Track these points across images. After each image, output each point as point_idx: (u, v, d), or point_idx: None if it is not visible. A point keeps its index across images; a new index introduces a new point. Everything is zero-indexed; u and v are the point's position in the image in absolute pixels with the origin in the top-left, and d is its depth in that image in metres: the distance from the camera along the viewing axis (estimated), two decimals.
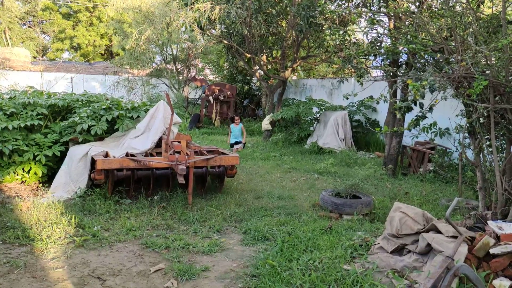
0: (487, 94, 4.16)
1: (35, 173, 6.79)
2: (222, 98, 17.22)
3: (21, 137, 6.82)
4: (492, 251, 3.51)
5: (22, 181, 6.92)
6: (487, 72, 4.12)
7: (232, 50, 15.92)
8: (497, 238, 3.64)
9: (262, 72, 16.18)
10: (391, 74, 5.85)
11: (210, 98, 17.18)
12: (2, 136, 6.65)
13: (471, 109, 4.44)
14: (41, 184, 6.96)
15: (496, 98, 4.26)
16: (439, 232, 3.89)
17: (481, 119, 4.48)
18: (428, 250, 3.92)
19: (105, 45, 38.20)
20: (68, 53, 40.36)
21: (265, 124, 14.19)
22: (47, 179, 7.01)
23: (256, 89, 21.10)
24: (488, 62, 4.19)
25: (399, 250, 4.25)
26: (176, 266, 4.12)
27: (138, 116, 7.46)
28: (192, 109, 19.44)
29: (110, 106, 7.44)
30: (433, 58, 4.76)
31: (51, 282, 3.77)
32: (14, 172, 6.80)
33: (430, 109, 4.34)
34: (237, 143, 11.48)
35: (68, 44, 37.32)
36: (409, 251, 4.15)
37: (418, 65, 4.93)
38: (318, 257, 4.32)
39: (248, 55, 15.37)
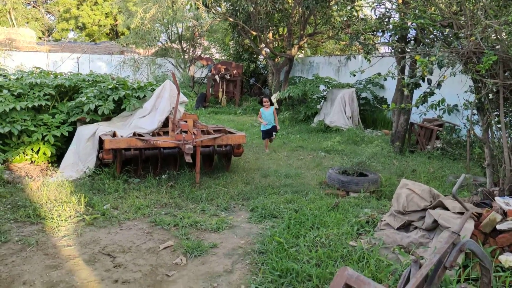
0: (496, 69, 4.10)
1: (44, 153, 6.87)
2: (228, 77, 17.13)
3: (29, 118, 6.87)
4: (498, 227, 3.51)
5: (32, 161, 7.00)
6: (496, 47, 4.04)
7: (238, 28, 15.76)
8: (504, 214, 3.64)
9: (268, 50, 16.03)
10: (399, 50, 5.75)
11: (216, 77, 17.10)
12: (10, 116, 6.70)
13: (480, 85, 4.38)
14: (50, 164, 7.03)
15: (506, 74, 4.20)
16: (446, 209, 3.90)
17: (490, 95, 4.43)
18: (435, 227, 3.94)
19: (110, 25, 37.94)
20: (74, 33, 40.22)
21: (267, 102, 14.13)
22: (56, 159, 7.09)
23: (262, 67, 20.94)
24: (498, 37, 4.11)
25: (406, 227, 4.28)
26: (184, 243, 4.18)
27: (145, 96, 7.47)
28: (198, 88, 19.38)
29: (117, 86, 7.44)
30: (442, 33, 4.67)
31: (63, 259, 3.86)
32: (24, 153, 6.88)
33: (439, 85, 4.30)
34: (273, 129, 9.06)
35: (73, 24, 37.13)
36: (416, 228, 4.17)
37: (426, 40, 4.84)
38: (325, 234, 4.36)
39: (254, 33, 15.22)
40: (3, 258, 3.84)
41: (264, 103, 9.07)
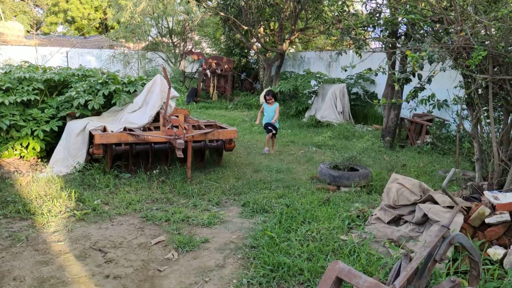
0: (486, 64, 4.13)
1: (33, 148, 6.79)
2: (219, 71, 17.06)
3: (18, 112, 6.78)
4: (487, 220, 3.56)
5: (21, 156, 6.93)
6: (486, 42, 4.08)
7: (229, 22, 15.70)
8: (493, 208, 3.69)
9: (259, 45, 16.00)
10: (390, 45, 5.78)
11: (207, 71, 17.03)
12: None
13: (469, 80, 4.42)
14: (39, 159, 6.97)
15: (495, 69, 4.24)
16: (436, 203, 3.94)
17: (480, 90, 4.48)
18: (425, 221, 3.98)
19: (100, 18, 37.52)
20: (62, 27, 39.70)
21: (263, 97, 14.11)
22: (46, 154, 7.02)
23: (253, 62, 20.90)
24: (488, 32, 4.14)
25: (396, 221, 4.32)
26: (176, 238, 4.18)
27: (135, 91, 7.42)
28: (189, 83, 19.29)
29: (107, 80, 7.38)
30: (432, 28, 4.70)
31: (53, 255, 3.83)
32: (13, 148, 6.80)
33: (429, 80, 4.33)
34: (272, 126, 8.49)
35: (62, 17, 36.66)
36: (406, 222, 4.21)
37: (417, 36, 4.87)
38: (316, 228, 4.38)
39: (245, 28, 15.17)
40: None
41: (267, 100, 8.65)
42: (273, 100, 8.64)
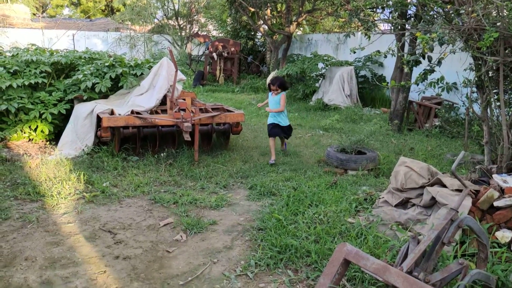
0: (497, 46, 4.06)
1: (41, 131, 6.84)
2: (226, 54, 16.95)
3: (26, 95, 6.81)
4: (496, 203, 3.55)
5: (30, 139, 6.98)
6: (498, 24, 4.00)
7: (235, 4, 15.53)
8: (501, 191, 3.68)
9: (266, 27, 15.85)
10: (399, 27, 5.70)
11: (214, 54, 16.92)
12: (7, 94, 6.64)
13: (480, 62, 4.35)
14: (48, 142, 7.02)
15: (507, 51, 4.17)
16: (444, 186, 3.93)
17: (490, 73, 4.41)
18: (432, 204, 3.98)
19: (105, 1, 37.25)
20: (68, 10, 39.55)
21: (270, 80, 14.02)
22: (54, 137, 7.07)
23: (260, 45, 20.72)
24: (500, 14, 4.06)
25: (403, 204, 4.32)
26: (184, 220, 4.22)
27: (142, 73, 7.40)
28: (195, 66, 19.20)
29: (113, 63, 7.36)
30: (443, 9, 4.62)
31: (64, 236, 3.89)
32: (21, 130, 6.85)
33: (439, 62, 4.27)
34: (278, 126, 6.62)
35: (67, 0, 36.45)
36: (413, 205, 4.21)
37: (427, 17, 4.79)
38: (323, 211, 4.40)
39: (252, 9, 15.01)
40: (4, 234, 3.86)
41: (272, 89, 6.67)
42: (279, 90, 6.60)
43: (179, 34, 21.68)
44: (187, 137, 5.93)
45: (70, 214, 4.36)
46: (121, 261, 3.48)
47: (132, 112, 6.46)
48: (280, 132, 6.64)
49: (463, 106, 8.53)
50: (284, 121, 6.62)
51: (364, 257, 2.30)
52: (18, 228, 4.02)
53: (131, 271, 3.34)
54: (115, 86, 7.32)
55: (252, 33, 19.69)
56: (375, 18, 6.34)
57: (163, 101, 7.02)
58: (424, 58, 4.41)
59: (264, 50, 19.61)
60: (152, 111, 6.82)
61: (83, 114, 6.57)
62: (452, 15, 4.40)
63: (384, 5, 6.22)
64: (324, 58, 13.26)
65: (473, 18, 3.90)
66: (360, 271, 3.18)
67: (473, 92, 5.12)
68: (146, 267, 3.41)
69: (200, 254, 3.65)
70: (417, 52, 4.40)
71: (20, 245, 3.68)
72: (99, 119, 6.28)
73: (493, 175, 3.95)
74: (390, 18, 5.79)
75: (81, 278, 3.20)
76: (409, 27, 5.34)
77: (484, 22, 3.81)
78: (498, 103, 4.43)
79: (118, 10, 31.00)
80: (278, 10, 17.27)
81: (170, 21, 21.87)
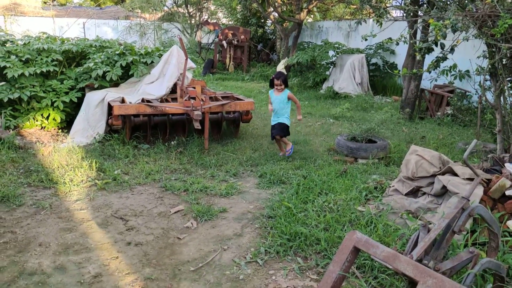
0: (511, 33, 3.99)
1: (53, 119, 6.91)
2: (235, 42, 16.87)
3: (38, 84, 6.88)
4: (508, 192, 3.52)
5: (42, 127, 7.06)
6: None
7: None
8: None
9: (276, 14, 15.71)
10: (412, 13, 5.62)
11: (224, 42, 16.85)
12: (19, 82, 6.71)
13: (493, 49, 4.28)
14: (60, 130, 7.10)
15: None
16: (455, 175, 3.90)
17: (504, 60, 4.34)
18: (443, 192, 3.96)
19: None
20: None
21: (280, 68, 13.95)
22: (66, 125, 7.14)
23: (270, 32, 20.58)
24: None
25: (414, 192, 4.30)
26: (195, 208, 4.25)
27: (152, 62, 7.41)
28: (205, 54, 19.16)
29: (124, 51, 7.38)
30: None
31: (76, 222, 3.95)
32: (34, 118, 6.93)
33: (452, 50, 4.22)
34: (280, 125, 6.00)
35: None
36: (424, 193, 4.19)
37: (440, 3, 4.71)
38: (333, 199, 4.40)
39: None
40: (19, 220, 3.94)
41: (275, 86, 5.95)
42: (283, 86, 5.93)
43: (188, 22, 21.60)
44: (197, 125, 5.94)
45: (82, 201, 4.43)
46: (133, 247, 3.53)
47: (143, 100, 6.49)
48: (280, 130, 5.97)
49: (475, 94, 8.42)
50: (287, 121, 6.02)
51: (374, 245, 2.30)
52: (32, 214, 4.09)
53: (143, 257, 3.39)
54: (126, 74, 7.35)
55: (262, 20, 19.54)
56: (387, 5, 6.26)
57: (173, 90, 7.04)
58: (436, 45, 4.35)
59: (274, 37, 19.47)
60: (163, 100, 6.85)
61: (94, 102, 6.61)
62: (466, 1, 4.32)
63: None
64: (335, 45, 13.14)
65: (487, 4, 3.83)
66: (369, 259, 3.18)
67: (486, 80, 5.05)
68: (157, 253, 3.45)
69: (211, 241, 3.69)
70: (429, 39, 4.34)
71: (34, 231, 3.75)
72: (110, 107, 6.32)
73: (505, 164, 3.91)
74: (402, 4, 5.72)
75: (94, 264, 3.26)
76: (422, 14, 5.25)
77: (498, 8, 3.74)
78: (511, 91, 4.36)
79: None
80: None
81: (180, 9, 21.79)
